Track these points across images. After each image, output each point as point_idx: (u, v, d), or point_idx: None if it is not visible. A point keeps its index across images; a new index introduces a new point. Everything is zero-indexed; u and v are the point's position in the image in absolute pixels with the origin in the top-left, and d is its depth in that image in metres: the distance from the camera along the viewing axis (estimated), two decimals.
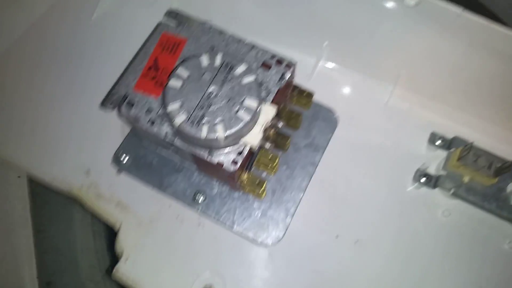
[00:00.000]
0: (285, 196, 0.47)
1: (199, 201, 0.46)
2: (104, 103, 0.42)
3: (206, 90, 0.39)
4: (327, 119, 0.50)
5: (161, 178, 0.48)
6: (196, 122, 0.38)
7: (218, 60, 0.41)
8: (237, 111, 0.38)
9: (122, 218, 0.48)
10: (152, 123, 0.41)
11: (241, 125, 0.38)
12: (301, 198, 0.47)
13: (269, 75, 0.43)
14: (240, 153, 0.40)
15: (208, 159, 0.40)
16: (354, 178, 0.49)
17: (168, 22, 0.47)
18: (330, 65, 0.56)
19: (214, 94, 0.39)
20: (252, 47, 0.44)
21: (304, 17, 0.55)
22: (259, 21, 0.57)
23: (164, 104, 0.40)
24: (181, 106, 0.39)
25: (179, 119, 0.38)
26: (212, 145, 0.39)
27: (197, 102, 0.39)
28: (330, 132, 0.50)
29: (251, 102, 0.39)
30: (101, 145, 0.51)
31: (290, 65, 0.43)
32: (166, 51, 0.44)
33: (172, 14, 0.47)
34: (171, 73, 0.41)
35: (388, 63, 0.55)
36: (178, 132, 0.39)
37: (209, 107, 0.38)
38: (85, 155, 0.51)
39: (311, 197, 0.47)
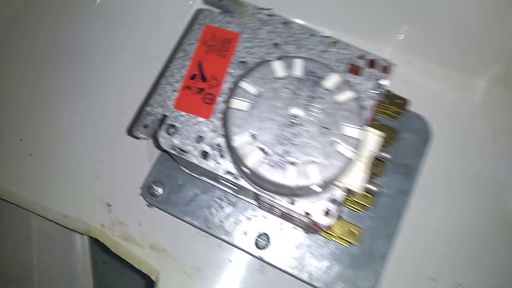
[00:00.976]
0: (375, 236, 0.36)
1: (261, 245, 0.36)
2: (135, 129, 0.30)
3: (287, 114, 0.28)
4: (418, 131, 0.39)
5: (207, 215, 0.37)
6: (278, 163, 0.27)
7: (298, 67, 0.29)
8: (336, 145, 0.27)
9: (159, 265, 0.37)
10: (205, 155, 0.30)
11: (343, 165, 0.27)
12: (394, 237, 0.36)
13: (359, 83, 0.31)
14: (334, 199, 0.29)
15: (290, 209, 0.29)
16: (452, 206, 0.39)
17: (210, 8, 0.34)
18: (407, 57, 0.44)
19: (299, 119, 0.28)
20: (334, 42, 0.32)
21: None
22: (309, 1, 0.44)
23: (226, 134, 0.28)
24: (253, 139, 0.27)
25: (253, 158, 0.27)
26: (297, 192, 0.28)
27: (277, 133, 0.27)
28: (423, 147, 0.39)
29: (353, 130, 0.27)
30: (124, 170, 0.39)
31: (387, 68, 0.32)
32: (213, 52, 0.32)
33: None
34: (234, 89, 0.28)
35: (481, 52, 0.43)
36: (251, 174, 0.28)
37: (295, 140, 0.27)
38: (103, 185, 0.39)
39: (403, 232, 0.37)
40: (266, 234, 0.36)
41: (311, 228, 0.33)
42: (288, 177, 0.26)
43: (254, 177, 0.27)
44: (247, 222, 0.36)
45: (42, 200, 0.38)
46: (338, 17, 0.43)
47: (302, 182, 0.26)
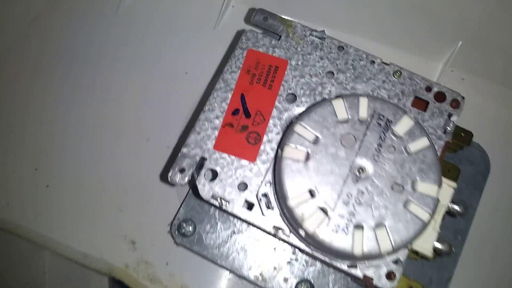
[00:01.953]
0: (428, 282, 0.32)
1: None
2: (170, 175, 0.26)
3: (352, 165, 0.24)
4: (474, 162, 0.35)
5: (243, 258, 0.33)
6: (342, 226, 0.23)
7: (363, 108, 0.25)
8: (410, 205, 0.23)
9: None
10: (250, 207, 0.26)
11: (417, 229, 0.23)
12: (449, 284, 0.33)
13: (426, 120, 0.27)
14: (397, 261, 0.25)
15: (349, 272, 0.25)
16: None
17: (253, 29, 0.30)
18: (460, 73, 0.40)
19: (366, 173, 0.24)
20: (396, 72, 0.28)
21: (430, 4, 0.38)
22: (352, 11, 0.40)
23: (277, 186, 0.24)
24: (311, 196, 0.23)
25: (313, 222, 0.23)
26: (360, 258, 0.24)
27: (339, 189, 0.23)
28: (481, 182, 0.35)
29: (430, 187, 0.23)
30: (150, 204, 0.36)
31: (457, 102, 0.28)
32: (258, 82, 0.28)
33: (259, 15, 0.30)
34: (287, 134, 0.24)
35: None
36: (308, 237, 0.24)
37: (361, 198, 0.23)
38: (127, 220, 0.35)
39: (461, 280, 0.33)
40: (309, 281, 0.32)
41: (366, 286, 0.29)
42: (353, 244, 0.22)
43: (311, 240, 0.24)
44: (287, 267, 0.33)
45: (60, 237, 0.35)
46: (386, 30, 0.39)
47: (369, 249, 0.22)
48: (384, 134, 0.24)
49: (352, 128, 0.24)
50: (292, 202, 0.23)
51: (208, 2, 0.40)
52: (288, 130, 0.25)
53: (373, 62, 0.28)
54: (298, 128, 0.24)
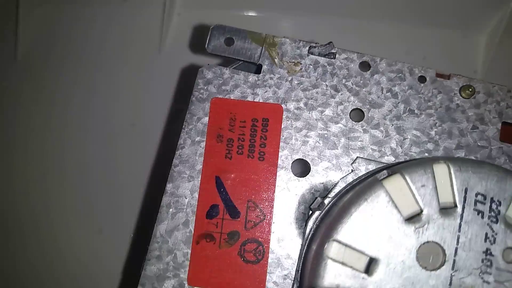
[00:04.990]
0: None
1: None
2: None
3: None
4: None
5: None
6: None
7: (444, 185, 0.13)
8: None
9: None
10: None
11: None
12: None
13: None
14: None
15: None
16: None
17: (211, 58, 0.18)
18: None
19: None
20: (468, 87, 0.17)
21: None
22: None
23: None
24: None
25: None
26: None
27: None
28: None
29: None
30: None
31: None
32: (240, 152, 0.17)
33: (217, 36, 0.17)
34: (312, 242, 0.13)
35: None
36: None
37: None
38: None
39: None
40: None
41: None
42: None
43: None
44: None
45: None
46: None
47: None
48: (492, 228, 0.13)
49: (432, 230, 0.13)
50: None
51: (145, 13, 0.28)
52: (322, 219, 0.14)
53: (423, 78, 0.17)
54: (331, 250, 0.13)
